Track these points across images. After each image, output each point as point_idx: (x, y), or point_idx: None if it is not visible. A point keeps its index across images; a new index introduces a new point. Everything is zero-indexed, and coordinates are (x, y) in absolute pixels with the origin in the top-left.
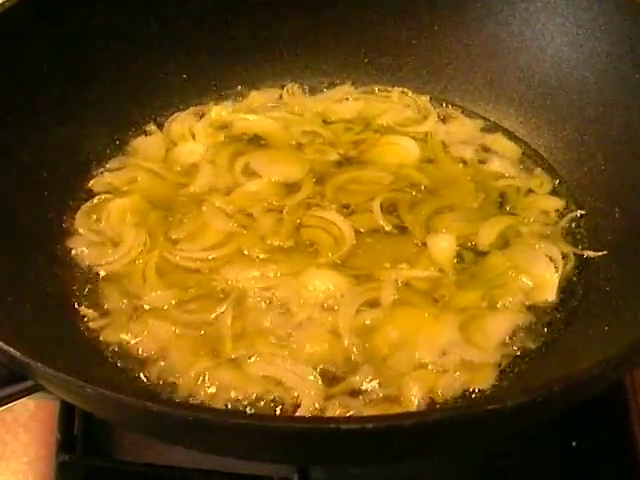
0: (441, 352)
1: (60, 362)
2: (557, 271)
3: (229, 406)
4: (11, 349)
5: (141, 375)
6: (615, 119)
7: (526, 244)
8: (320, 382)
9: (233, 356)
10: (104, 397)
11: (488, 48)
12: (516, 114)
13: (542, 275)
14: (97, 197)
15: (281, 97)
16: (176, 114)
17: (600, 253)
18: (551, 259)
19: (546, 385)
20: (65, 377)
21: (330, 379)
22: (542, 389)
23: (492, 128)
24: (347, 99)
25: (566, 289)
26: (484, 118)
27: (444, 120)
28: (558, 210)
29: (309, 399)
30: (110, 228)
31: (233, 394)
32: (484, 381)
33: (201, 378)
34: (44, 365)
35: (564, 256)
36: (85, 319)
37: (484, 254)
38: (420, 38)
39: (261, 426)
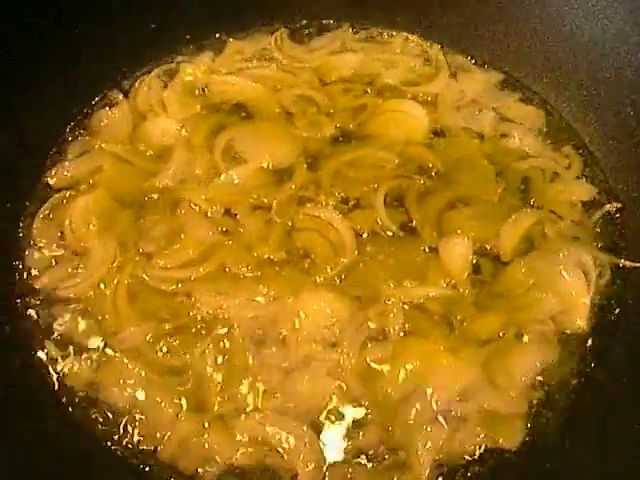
0: (460, 397)
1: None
2: (589, 287)
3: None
4: None
5: (117, 445)
6: None
7: (553, 249)
8: (320, 447)
9: (219, 412)
10: None
11: None
12: (540, 71)
13: (571, 293)
14: (57, 195)
15: (268, 47)
16: (143, 77)
17: (637, 264)
18: (582, 269)
19: None
20: None
21: (331, 439)
22: None
23: (512, 85)
24: (345, 50)
25: (600, 311)
26: (503, 72)
27: (456, 74)
28: (589, 201)
29: (307, 473)
30: (73, 235)
31: (221, 461)
32: (511, 438)
33: (184, 445)
34: None
35: (597, 266)
36: (49, 361)
37: (504, 264)
38: None
39: None
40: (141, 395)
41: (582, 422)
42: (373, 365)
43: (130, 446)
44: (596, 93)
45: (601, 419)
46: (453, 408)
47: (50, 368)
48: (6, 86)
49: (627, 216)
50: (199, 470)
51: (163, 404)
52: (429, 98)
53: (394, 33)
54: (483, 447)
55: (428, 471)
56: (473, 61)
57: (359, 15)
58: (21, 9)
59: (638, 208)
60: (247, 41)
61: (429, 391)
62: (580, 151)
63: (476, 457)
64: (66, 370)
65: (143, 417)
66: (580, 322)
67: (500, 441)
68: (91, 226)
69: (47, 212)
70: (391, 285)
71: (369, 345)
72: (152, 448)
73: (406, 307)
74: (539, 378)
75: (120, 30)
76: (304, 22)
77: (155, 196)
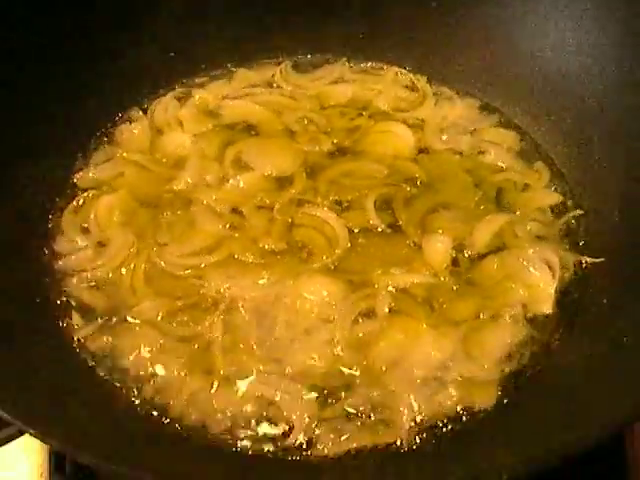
0: (439, 366)
1: (50, 391)
2: (554, 279)
3: (223, 429)
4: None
5: (133, 397)
6: (617, 114)
7: (522, 247)
8: (314, 404)
9: (225, 374)
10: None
11: (488, 29)
12: (515, 100)
13: (538, 285)
14: (84, 194)
15: (273, 76)
16: (160, 98)
17: (598, 260)
18: (548, 265)
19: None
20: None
21: (325, 398)
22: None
23: (489, 113)
24: (342, 81)
25: (563, 300)
26: (481, 101)
27: (440, 102)
28: (555, 207)
29: (302, 423)
30: (97, 228)
31: (227, 414)
32: (485, 400)
33: (193, 400)
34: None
35: (562, 262)
36: (74, 328)
37: (479, 259)
38: (418, 15)
39: None
40: (156, 359)
41: (548, 386)
42: (363, 337)
43: (145, 399)
44: (563, 118)
45: (564, 384)
46: (433, 375)
47: (74, 334)
48: (45, 101)
49: (588, 222)
50: (207, 421)
51: (175, 367)
52: (416, 122)
53: (385, 67)
54: (460, 408)
55: (408, 426)
56: (455, 91)
57: (355, 51)
58: (62, 31)
59: (598, 215)
60: (255, 71)
61: (412, 360)
62: (549, 167)
63: (453, 416)
64: (88, 336)
65: (157, 378)
66: (546, 309)
67: (475, 402)
68: (113, 219)
69: (74, 207)
70: (379, 272)
71: (360, 321)
72: (165, 403)
73: (393, 290)
74: (510, 351)
75: (144, 56)
76: (306, 56)
77: (171, 196)
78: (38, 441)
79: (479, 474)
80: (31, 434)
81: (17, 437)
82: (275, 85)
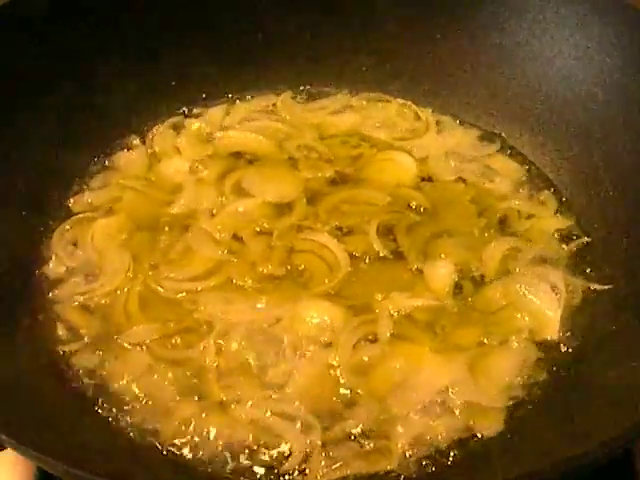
0: (443, 392)
1: (37, 412)
2: (559, 305)
3: (216, 455)
4: None
5: (123, 422)
6: (625, 141)
7: (527, 272)
8: (314, 430)
9: (218, 399)
10: None
11: (493, 58)
12: (520, 129)
13: (543, 311)
14: (78, 216)
15: (275, 105)
16: (159, 126)
17: (606, 287)
18: (554, 290)
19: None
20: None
21: (324, 424)
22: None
23: (493, 141)
24: (343, 111)
25: (571, 326)
26: (485, 130)
27: (443, 131)
28: (562, 234)
29: (300, 450)
30: (94, 249)
31: (220, 441)
32: (490, 428)
33: (185, 426)
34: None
35: (569, 288)
36: (63, 349)
37: (483, 284)
38: (421, 46)
39: None
40: (147, 383)
41: (555, 414)
42: (364, 362)
43: (133, 425)
44: (569, 148)
45: (572, 412)
46: (435, 400)
47: (62, 357)
48: (42, 123)
49: (595, 250)
50: (199, 447)
51: (166, 392)
52: (419, 150)
53: (387, 97)
54: (463, 435)
55: (408, 454)
56: (459, 120)
57: (357, 82)
58: (63, 56)
59: (605, 242)
60: (255, 100)
61: (414, 386)
62: (555, 197)
63: (455, 443)
64: (76, 357)
65: (147, 402)
66: (551, 335)
67: (479, 429)
68: (110, 243)
69: (66, 229)
70: (381, 297)
71: (361, 345)
72: (155, 428)
73: (395, 315)
74: (517, 377)
75: (144, 84)
76: (307, 87)
77: (168, 220)
78: None
79: None
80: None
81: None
82: (275, 114)
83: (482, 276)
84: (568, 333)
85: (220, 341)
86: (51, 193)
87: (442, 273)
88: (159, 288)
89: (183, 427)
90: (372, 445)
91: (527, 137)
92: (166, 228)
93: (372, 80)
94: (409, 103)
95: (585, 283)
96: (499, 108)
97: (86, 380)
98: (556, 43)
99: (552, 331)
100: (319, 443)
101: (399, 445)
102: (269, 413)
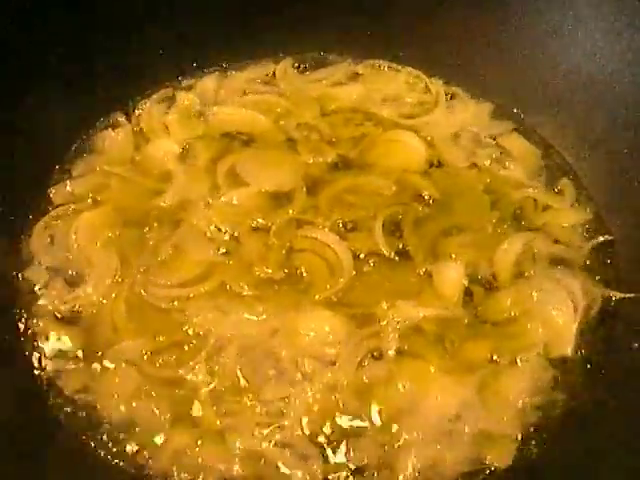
0: (452, 418)
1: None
2: (576, 315)
3: None
4: None
5: (110, 455)
6: None
7: (542, 276)
8: (316, 460)
9: (213, 427)
10: None
11: (511, 28)
12: (538, 108)
13: (558, 322)
14: (58, 209)
15: (273, 75)
16: (145, 100)
17: (628, 295)
18: (571, 299)
19: None
20: None
21: (327, 454)
22: None
23: (508, 119)
24: (346, 82)
25: (588, 340)
26: (499, 106)
27: (455, 107)
28: (581, 230)
29: None
30: (78, 248)
31: (215, 474)
32: (502, 458)
33: (178, 457)
34: None
35: (586, 297)
36: (45, 374)
37: (495, 290)
38: (434, 11)
39: None
40: (136, 407)
41: (571, 446)
42: (369, 383)
43: (124, 456)
44: (591, 130)
45: (590, 443)
46: (445, 428)
47: (45, 376)
48: (14, 104)
49: (617, 249)
50: None
51: (158, 416)
52: (427, 130)
53: (395, 66)
54: (473, 465)
55: None
56: (471, 94)
57: (361, 49)
58: (37, 31)
59: (628, 242)
60: (250, 69)
61: (422, 412)
62: (574, 185)
63: (465, 475)
64: (62, 379)
65: (137, 428)
66: (566, 350)
67: (490, 460)
68: (94, 241)
69: (47, 224)
70: (386, 305)
71: (366, 363)
72: (146, 459)
73: (401, 327)
74: (531, 401)
75: (128, 55)
76: (308, 54)
77: (157, 214)
78: None
79: None
80: None
81: None
82: (272, 85)
83: (494, 278)
84: (585, 349)
85: (214, 357)
86: (30, 183)
87: (452, 277)
88: (148, 296)
89: (176, 459)
90: (375, 476)
91: (545, 116)
92: (155, 224)
93: (376, 47)
94: (417, 72)
95: (605, 291)
96: (517, 86)
97: (73, 404)
98: (582, 18)
99: (568, 346)
100: (319, 474)
101: (401, 478)
102: (266, 444)
